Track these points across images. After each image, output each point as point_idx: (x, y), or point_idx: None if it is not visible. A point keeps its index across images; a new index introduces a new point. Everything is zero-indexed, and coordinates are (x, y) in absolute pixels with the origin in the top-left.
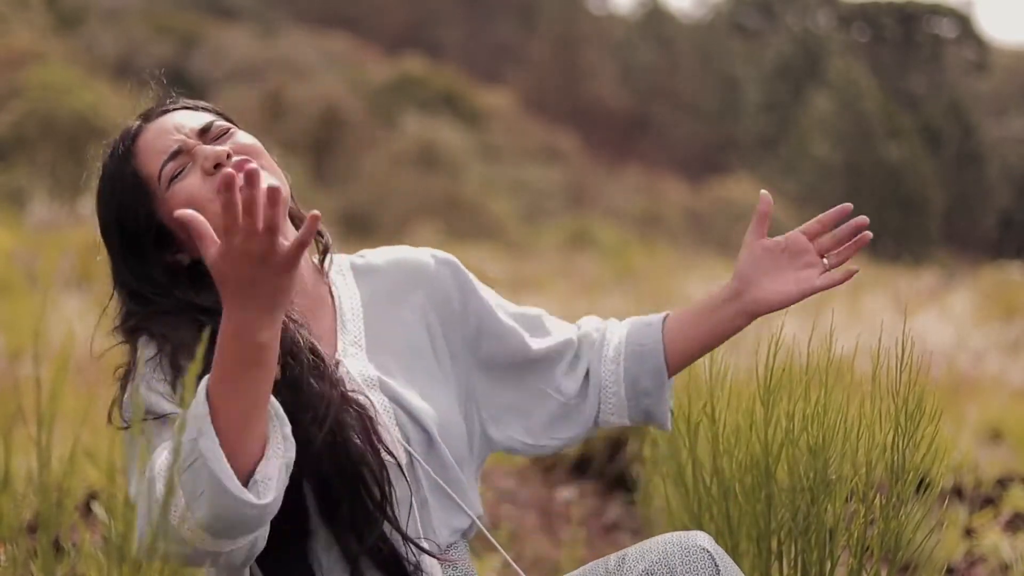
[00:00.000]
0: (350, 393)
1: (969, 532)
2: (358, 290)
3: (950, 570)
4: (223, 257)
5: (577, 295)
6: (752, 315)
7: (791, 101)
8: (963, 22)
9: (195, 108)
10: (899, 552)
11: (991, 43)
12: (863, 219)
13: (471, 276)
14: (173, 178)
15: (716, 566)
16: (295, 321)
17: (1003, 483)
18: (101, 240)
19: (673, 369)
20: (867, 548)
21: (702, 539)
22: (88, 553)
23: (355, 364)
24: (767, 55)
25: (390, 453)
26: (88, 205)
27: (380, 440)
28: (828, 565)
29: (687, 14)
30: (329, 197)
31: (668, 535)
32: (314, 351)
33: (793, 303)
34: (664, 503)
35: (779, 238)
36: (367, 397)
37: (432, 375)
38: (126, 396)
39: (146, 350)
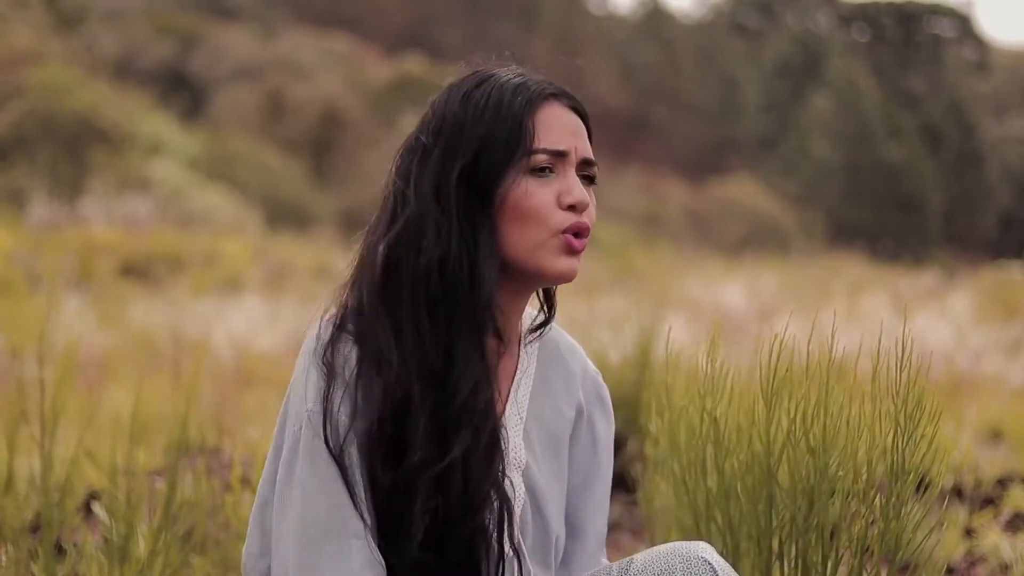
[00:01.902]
0: (502, 476)
1: (969, 532)
2: (536, 361)
3: (950, 570)
4: None
5: (577, 294)
6: None
7: (791, 101)
8: (963, 22)
9: (590, 130)
10: (899, 552)
11: (991, 43)
12: None
13: (612, 431)
14: (537, 168)
15: None
16: (491, 387)
17: (1003, 483)
18: (423, 134)
19: None
20: (867, 548)
21: (704, 550)
22: (89, 554)
23: (513, 437)
24: (767, 55)
25: (513, 548)
26: (87, 205)
27: (511, 535)
28: (829, 565)
29: (687, 14)
30: (329, 197)
31: (671, 545)
32: (495, 433)
33: None
34: (665, 503)
35: None
36: (510, 481)
37: (560, 472)
38: (331, 425)
39: (351, 376)
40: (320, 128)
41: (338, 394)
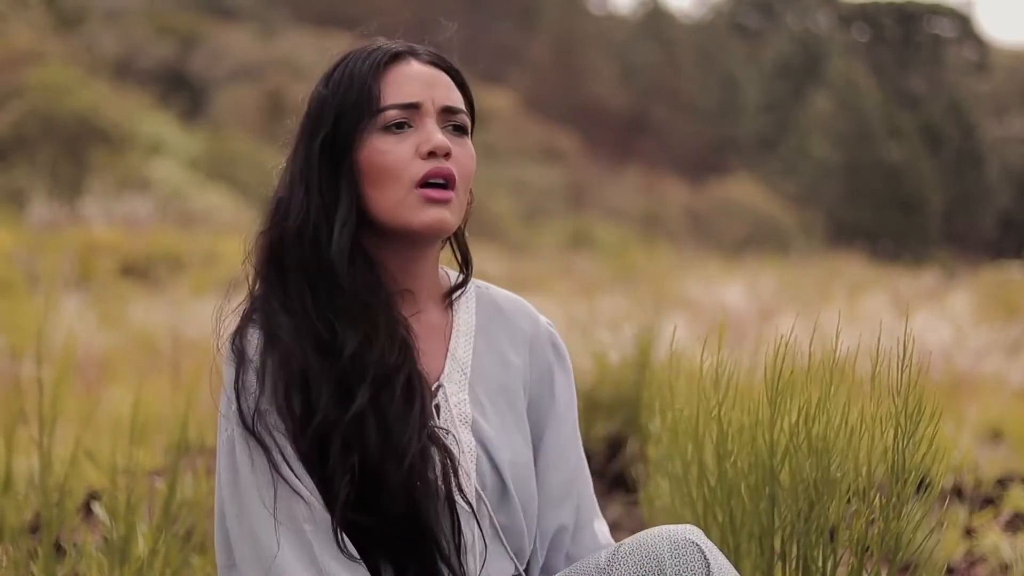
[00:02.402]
0: (439, 431)
1: (969, 532)
2: (475, 318)
3: (950, 570)
4: None
5: (577, 295)
6: None
7: (791, 101)
8: (963, 22)
9: (461, 83)
10: (899, 552)
11: (991, 43)
12: None
13: (570, 378)
14: (391, 125)
15: (705, 559)
16: (404, 345)
17: (1003, 483)
18: (304, 115)
19: None
20: (868, 548)
21: (692, 532)
22: (89, 554)
23: (455, 393)
24: (767, 55)
25: (465, 500)
26: (87, 205)
27: (459, 486)
28: (830, 565)
29: (687, 14)
30: None
31: (658, 529)
32: (410, 382)
33: None
34: (665, 503)
35: None
36: (455, 436)
37: (517, 423)
38: (245, 407)
39: (257, 359)
40: None
41: (249, 378)
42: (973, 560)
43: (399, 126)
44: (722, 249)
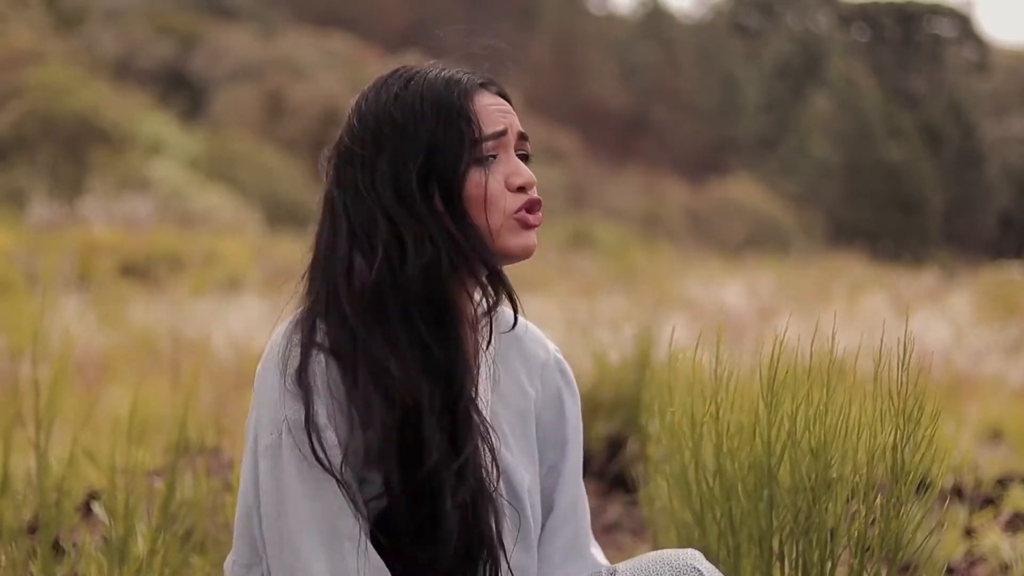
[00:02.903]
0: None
1: (969, 532)
2: (493, 342)
3: (950, 570)
4: None
5: (577, 295)
6: None
7: (791, 101)
8: (963, 22)
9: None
10: (899, 552)
11: (991, 43)
12: None
13: (578, 406)
14: (484, 158)
15: None
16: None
17: (1003, 483)
18: (356, 144)
19: None
20: (868, 548)
21: (693, 557)
22: (88, 554)
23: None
24: (767, 55)
25: (501, 543)
26: (87, 205)
27: (499, 528)
28: (829, 565)
29: (687, 14)
30: None
31: (658, 553)
32: (484, 419)
33: None
34: (665, 503)
35: None
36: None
37: (530, 450)
38: (328, 443)
39: (339, 392)
40: (320, 128)
41: (321, 410)
42: (973, 560)
43: (489, 157)
44: (722, 249)
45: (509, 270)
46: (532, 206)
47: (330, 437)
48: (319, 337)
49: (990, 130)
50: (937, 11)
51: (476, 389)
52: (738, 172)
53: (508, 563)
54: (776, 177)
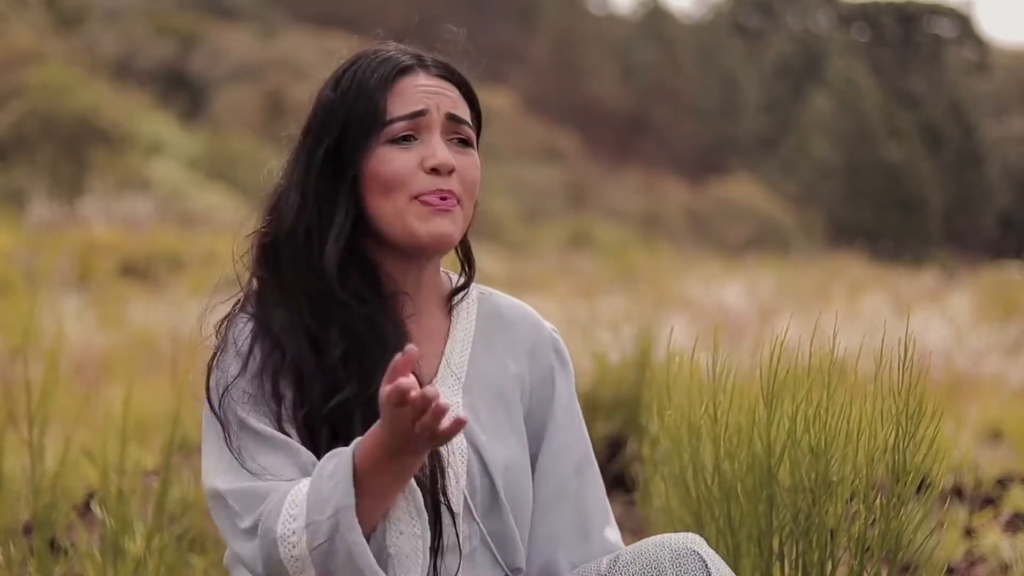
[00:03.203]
0: None
1: (969, 532)
2: (475, 323)
3: (950, 570)
4: (391, 420)
5: (577, 295)
6: None
7: (791, 101)
8: (963, 22)
9: (468, 94)
10: (899, 552)
11: (991, 43)
12: None
13: (571, 384)
14: (397, 138)
15: (707, 569)
16: (396, 341)
17: (1003, 483)
18: (310, 117)
19: None
20: (868, 548)
21: (693, 541)
22: (85, 553)
23: (447, 396)
24: (767, 55)
25: (447, 502)
26: (87, 205)
27: (444, 488)
28: (829, 565)
29: (687, 14)
30: None
31: (660, 537)
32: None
33: None
34: (665, 503)
35: None
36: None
37: (513, 429)
38: (213, 383)
39: (243, 344)
40: None
41: (227, 361)
42: (973, 560)
43: (405, 139)
44: (722, 249)
45: (510, 269)
46: (439, 192)
47: (225, 377)
48: (249, 303)
49: (990, 130)
50: (937, 11)
51: (433, 366)
52: (738, 172)
53: (480, 526)
54: (776, 177)
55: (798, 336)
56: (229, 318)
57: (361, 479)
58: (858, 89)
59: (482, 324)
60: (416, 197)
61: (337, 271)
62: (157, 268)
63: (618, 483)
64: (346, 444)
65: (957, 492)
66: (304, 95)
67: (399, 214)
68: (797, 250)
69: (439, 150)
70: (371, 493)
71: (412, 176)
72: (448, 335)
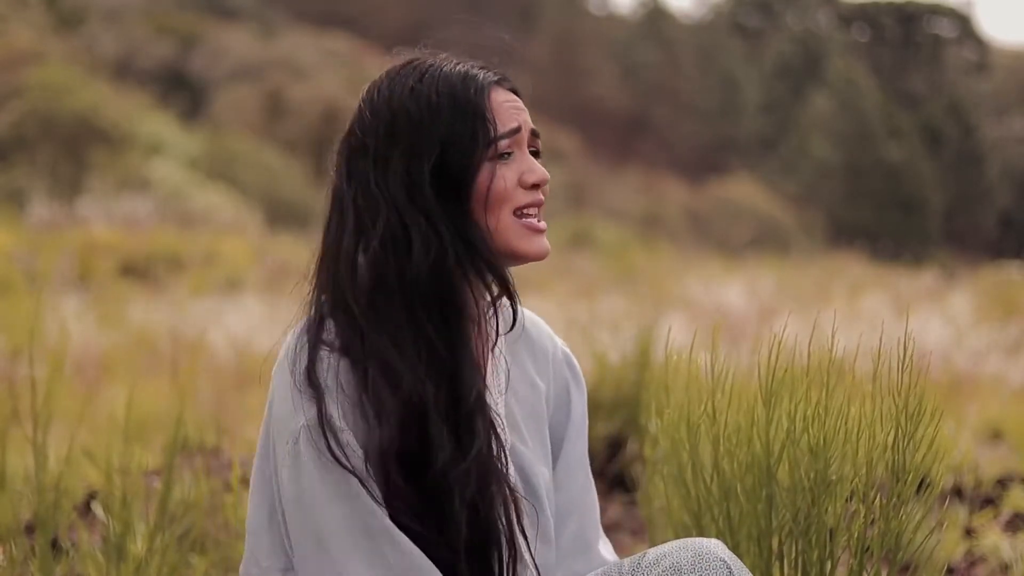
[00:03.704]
0: (505, 463)
1: (969, 532)
2: (504, 340)
3: (950, 570)
4: None
5: (577, 295)
6: None
7: (791, 101)
8: (963, 22)
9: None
10: (899, 552)
11: (991, 43)
12: None
13: (584, 401)
14: (503, 154)
15: (731, 574)
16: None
17: (1003, 483)
18: (369, 136)
19: None
20: (867, 548)
21: (718, 547)
22: (87, 552)
23: (498, 420)
24: (767, 55)
25: (525, 537)
26: (87, 205)
27: (522, 526)
28: (828, 565)
29: (687, 14)
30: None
31: (682, 541)
32: (494, 421)
33: None
34: (664, 503)
35: None
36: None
37: (544, 447)
38: (344, 440)
39: (351, 390)
40: (320, 128)
41: (334, 409)
42: (973, 560)
43: (503, 155)
44: (722, 249)
45: (515, 268)
46: (537, 204)
47: (347, 437)
48: (328, 336)
49: (990, 130)
50: (937, 11)
51: (485, 386)
52: (738, 172)
53: (533, 558)
54: (776, 177)
55: (797, 336)
56: (313, 356)
57: None
58: (858, 89)
59: (509, 340)
60: (516, 212)
61: (468, 305)
62: (157, 268)
63: (618, 483)
64: (477, 496)
65: (957, 492)
66: (304, 95)
67: (505, 231)
68: (797, 250)
69: (536, 166)
70: None
71: (513, 192)
72: (487, 354)
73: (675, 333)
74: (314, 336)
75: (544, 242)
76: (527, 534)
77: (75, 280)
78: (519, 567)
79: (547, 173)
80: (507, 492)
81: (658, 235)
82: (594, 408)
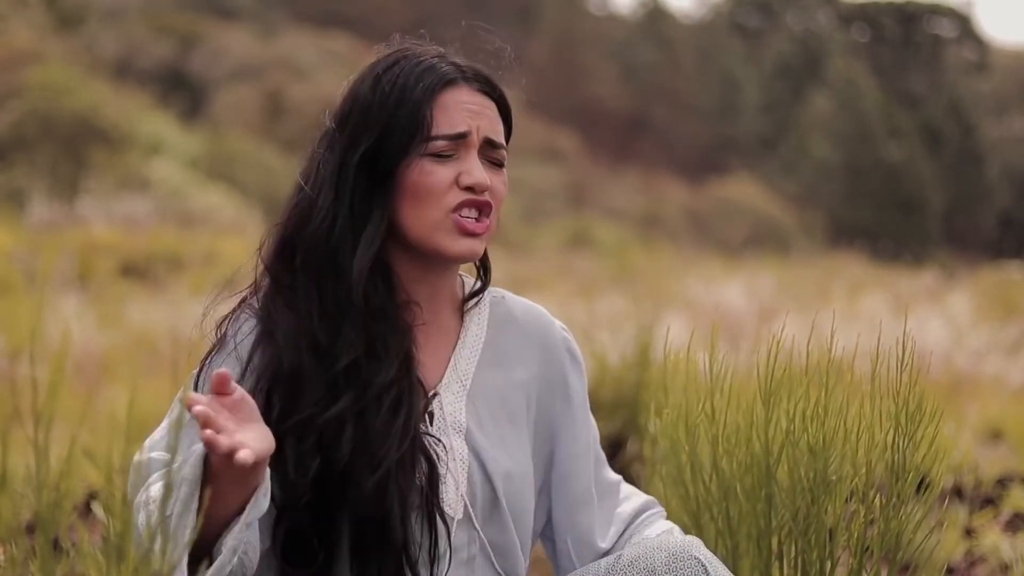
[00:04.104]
0: (428, 438)
1: (969, 532)
2: (486, 330)
3: (950, 570)
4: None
5: (577, 295)
6: None
7: (791, 101)
8: (963, 22)
9: (504, 109)
10: (899, 552)
11: (991, 43)
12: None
13: (584, 382)
14: (437, 153)
15: (706, 573)
16: (405, 360)
17: (1003, 483)
18: (332, 119)
19: None
20: (867, 548)
21: (692, 545)
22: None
23: (451, 402)
24: (767, 55)
25: (441, 512)
26: (87, 205)
27: (438, 496)
28: (828, 565)
29: (687, 14)
30: None
31: (658, 539)
32: (399, 394)
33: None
34: (664, 503)
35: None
36: (446, 444)
37: (517, 437)
38: (201, 381)
39: (244, 348)
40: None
41: (219, 360)
42: (973, 560)
43: (441, 155)
44: (722, 249)
45: (509, 269)
46: (473, 203)
47: (207, 375)
48: (255, 300)
49: (990, 130)
50: (937, 11)
51: (415, 363)
52: (738, 172)
53: (480, 533)
54: (776, 177)
55: (796, 335)
56: (232, 316)
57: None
58: (858, 89)
59: (493, 330)
60: (451, 212)
61: (364, 279)
62: (157, 268)
63: None
64: (333, 454)
65: (957, 492)
66: (304, 95)
67: (431, 227)
68: (797, 250)
69: (475, 170)
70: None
71: (447, 191)
72: (457, 341)
73: (674, 333)
74: (243, 298)
75: (472, 244)
76: (469, 513)
77: (75, 280)
78: (440, 540)
79: (486, 180)
80: (426, 464)
81: (658, 235)
82: (594, 408)
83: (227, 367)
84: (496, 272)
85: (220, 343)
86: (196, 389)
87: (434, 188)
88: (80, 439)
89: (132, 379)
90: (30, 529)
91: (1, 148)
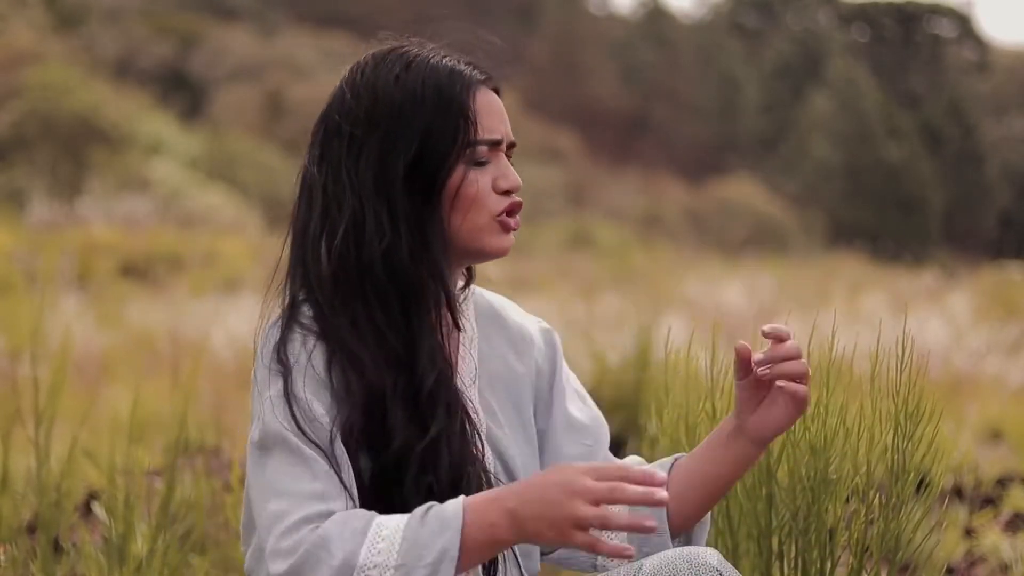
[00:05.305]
0: (480, 448)
1: (969, 532)
2: (476, 325)
3: (950, 570)
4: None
5: (577, 295)
6: (763, 443)
7: (791, 101)
8: (963, 22)
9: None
10: (899, 552)
11: (991, 43)
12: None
13: (563, 363)
14: (476, 162)
15: None
16: (448, 363)
17: (1003, 483)
18: (346, 120)
19: (681, 529)
20: (867, 548)
21: (711, 556)
22: (88, 553)
23: (471, 398)
24: (767, 55)
25: None
26: (87, 205)
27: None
28: (828, 565)
29: (687, 14)
30: None
31: (678, 550)
32: (467, 409)
33: (796, 419)
34: None
35: (763, 370)
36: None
37: (524, 429)
38: (299, 413)
39: (320, 367)
40: None
41: (300, 382)
42: (973, 560)
43: (484, 161)
44: (722, 249)
45: (509, 269)
46: (514, 208)
47: (316, 407)
48: (304, 319)
49: (990, 130)
50: (937, 11)
51: (455, 373)
52: (738, 172)
53: (514, 550)
54: (776, 177)
55: (797, 336)
56: (285, 341)
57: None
58: (858, 89)
59: (482, 323)
60: (493, 217)
61: (447, 296)
62: (157, 268)
63: None
64: (430, 478)
65: (957, 492)
66: (304, 95)
67: (477, 231)
68: (797, 250)
69: (510, 173)
70: (467, 557)
71: (488, 196)
72: (460, 338)
73: (674, 333)
74: (287, 318)
75: (508, 239)
76: None
77: (75, 280)
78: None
79: (520, 180)
80: (482, 475)
81: (658, 235)
82: None
83: (311, 389)
84: (496, 272)
85: (285, 370)
86: (301, 424)
87: (479, 197)
88: (81, 439)
89: (132, 380)
90: (31, 529)
91: (1, 148)
